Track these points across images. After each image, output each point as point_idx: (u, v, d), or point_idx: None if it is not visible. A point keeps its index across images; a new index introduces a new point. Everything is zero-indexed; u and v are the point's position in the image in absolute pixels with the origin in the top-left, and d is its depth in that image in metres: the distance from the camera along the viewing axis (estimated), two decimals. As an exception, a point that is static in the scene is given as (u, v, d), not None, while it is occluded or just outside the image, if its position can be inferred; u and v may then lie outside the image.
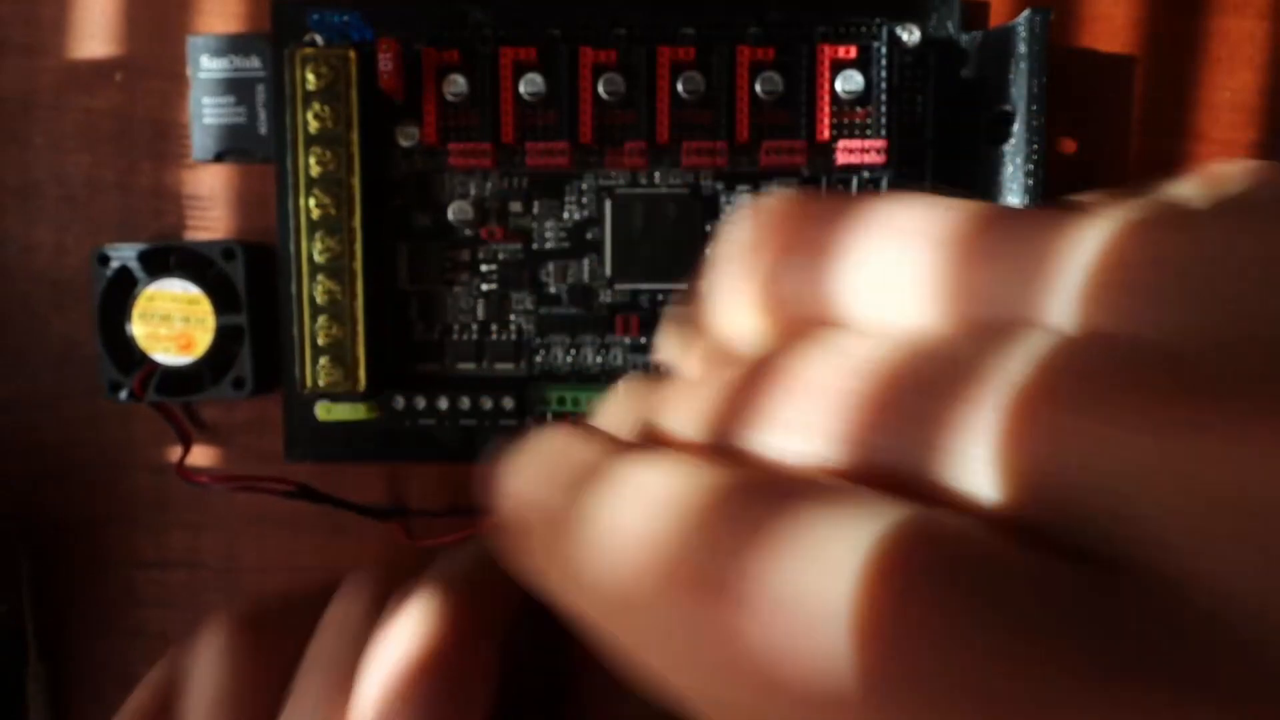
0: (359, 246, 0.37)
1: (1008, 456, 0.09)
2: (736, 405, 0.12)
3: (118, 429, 0.43)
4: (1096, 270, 0.10)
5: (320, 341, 0.37)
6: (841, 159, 0.38)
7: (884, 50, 0.37)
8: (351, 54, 0.36)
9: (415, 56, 0.38)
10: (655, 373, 0.40)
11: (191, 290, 0.40)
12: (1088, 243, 0.10)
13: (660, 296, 0.41)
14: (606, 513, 0.11)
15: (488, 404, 0.39)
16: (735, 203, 0.40)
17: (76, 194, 0.43)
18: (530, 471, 0.15)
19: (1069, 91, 0.41)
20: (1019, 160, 0.37)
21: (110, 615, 0.44)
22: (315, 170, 0.36)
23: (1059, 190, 0.41)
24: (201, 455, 0.43)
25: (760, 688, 0.09)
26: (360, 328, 0.37)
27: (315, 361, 0.37)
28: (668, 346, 0.18)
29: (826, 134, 0.38)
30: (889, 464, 0.10)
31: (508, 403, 0.39)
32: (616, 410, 0.18)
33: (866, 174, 0.39)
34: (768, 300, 0.14)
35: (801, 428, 0.11)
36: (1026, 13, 0.36)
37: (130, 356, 0.41)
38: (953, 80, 0.39)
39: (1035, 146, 0.36)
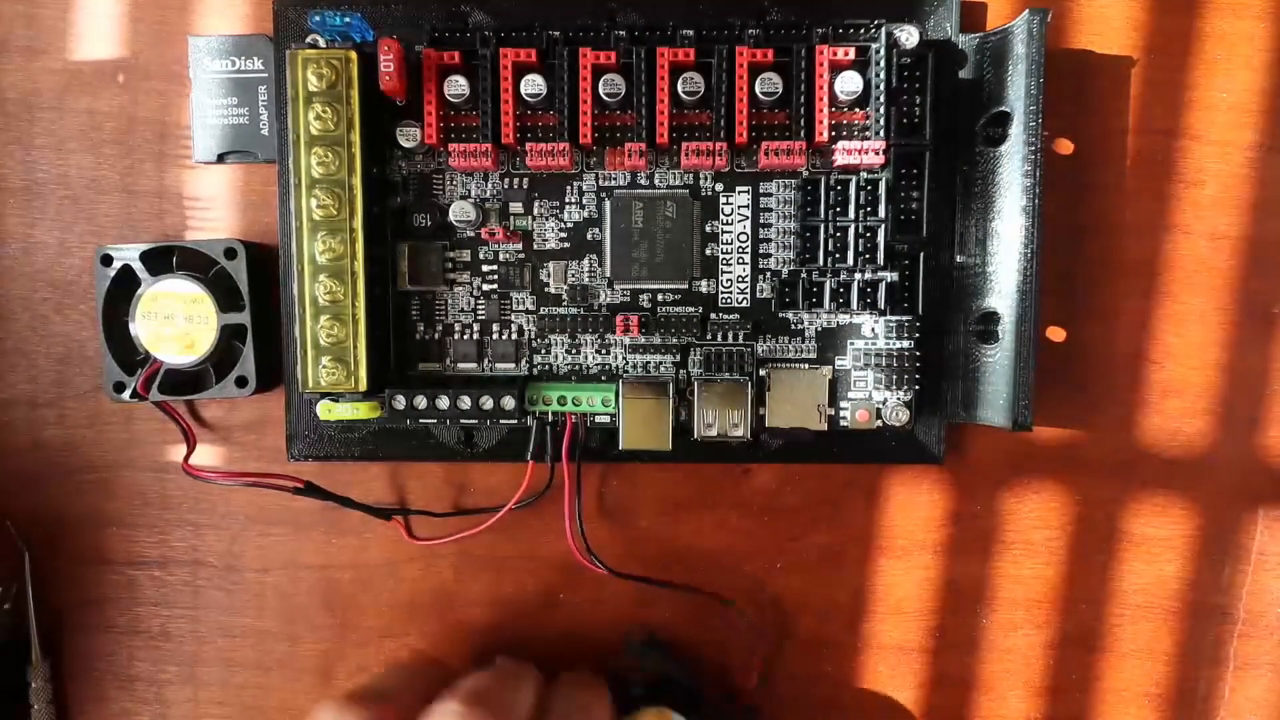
0: (360, 247, 0.37)
1: None
2: None
3: (119, 428, 0.44)
4: None
5: (322, 341, 0.37)
6: (840, 160, 0.38)
7: (882, 52, 0.38)
8: (352, 55, 0.37)
9: (416, 58, 0.39)
10: (649, 376, 0.41)
11: (194, 289, 0.41)
12: None
13: (660, 296, 0.41)
14: None
15: (488, 403, 0.39)
16: (734, 203, 0.41)
17: (79, 194, 0.43)
18: None
19: (1066, 92, 0.41)
20: (1017, 161, 0.37)
21: (112, 613, 0.44)
22: (317, 171, 0.37)
23: (1057, 190, 0.41)
24: (204, 454, 0.43)
25: None
26: (361, 328, 0.37)
27: (317, 361, 0.37)
28: None
29: (825, 135, 0.38)
30: None
31: (508, 402, 0.39)
32: None
33: (865, 175, 0.39)
34: None
35: None
36: (1024, 14, 0.37)
37: (133, 356, 0.42)
38: (951, 81, 0.40)
39: (1033, 147, 0.37)
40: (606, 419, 0.41)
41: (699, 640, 0.43)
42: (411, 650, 0.44)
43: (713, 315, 0.41)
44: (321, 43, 0.39)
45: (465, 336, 0.41)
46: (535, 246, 0.41)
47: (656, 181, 0.41)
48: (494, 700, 0.36)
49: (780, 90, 0.38)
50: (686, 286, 0.41)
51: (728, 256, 0.41)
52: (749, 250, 0.41)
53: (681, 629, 0.43)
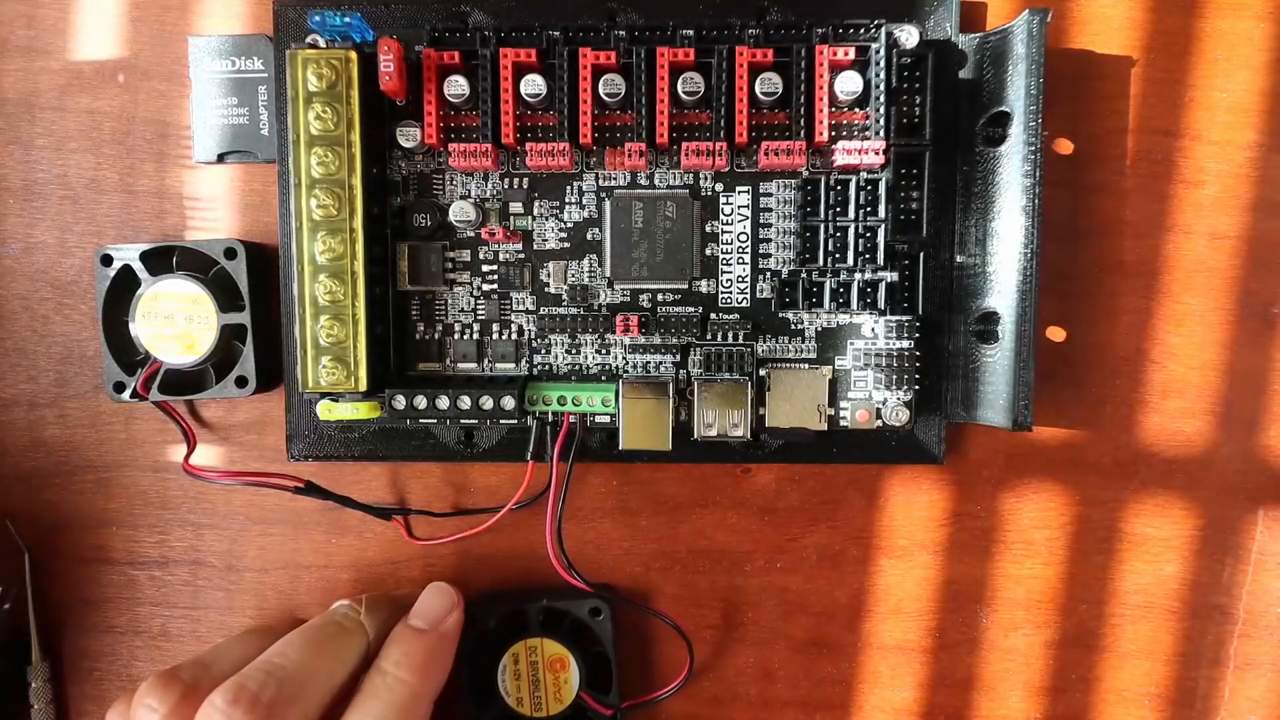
0: (360, 247, 0.37)
1: None
2: None
3: (119, 428, 0.44)
4: None
5: (322, 341, 0.37)
6: (840, 160, 0.38)
7: (882, 52, 0.38)
8: (352, 55, 0.37)
9: (416, 58, 0.39)
10: (652, 376, 0.41)
11: (194, 289, 0.41)
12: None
13: (660, 296, 0.41)
14: None
15: (488, 403, 0.39)
16: (734, 203, 0.41)
17: (79, 195, 0.43)
18: None
19: (1066, 92, 0.41)
20: (1017, 161, 0.37)
21: (112, 613, 0.44)
22: (317, 171, 0.37)
23: (1057, 190, 0.41)
24: (204, 454, 0.43)
25: None
26: (361, 328, 0.37)
27: (317, 361, 0.37)
28: None
29: (825, 135, 0.38)
30: None
31: (508, 402, 0.39)
32: None
33: (865, 175, 0.39)
34: None
35: None
36: (1024, 14, 0.37)
37: (133, 356, 0.42)
38: (951, 81, 0.40)
39: (1033, 147, 0.36)
40: (606, 419, 0.41)
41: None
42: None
43: (713, 315, 0.41)
44: (321, 43, 0.39)
45: (465, 336, 0.41)
46: (535, 246, 0.41)
47: (656, 181, 0.41)
48: (276, 685, 0.35)
49: (780, 90, 0.38)
50: (686, 286, 0.41)
51: (728, 256, 0.41)
52: (749, 250, 0.41)
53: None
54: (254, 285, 0.41)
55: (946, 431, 0.41)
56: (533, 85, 0.38)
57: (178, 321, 0.41)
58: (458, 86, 0.38)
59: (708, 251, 0.41)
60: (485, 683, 0.42)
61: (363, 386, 0.38)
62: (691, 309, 0.41)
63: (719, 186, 0.41)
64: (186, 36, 0.42)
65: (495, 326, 0.41)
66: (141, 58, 0.42)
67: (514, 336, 0.41)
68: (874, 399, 0.41)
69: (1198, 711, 0.43)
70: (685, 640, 0.42)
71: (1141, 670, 0.43)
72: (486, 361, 0.42)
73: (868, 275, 0.40)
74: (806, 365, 0.41)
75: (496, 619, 0.42)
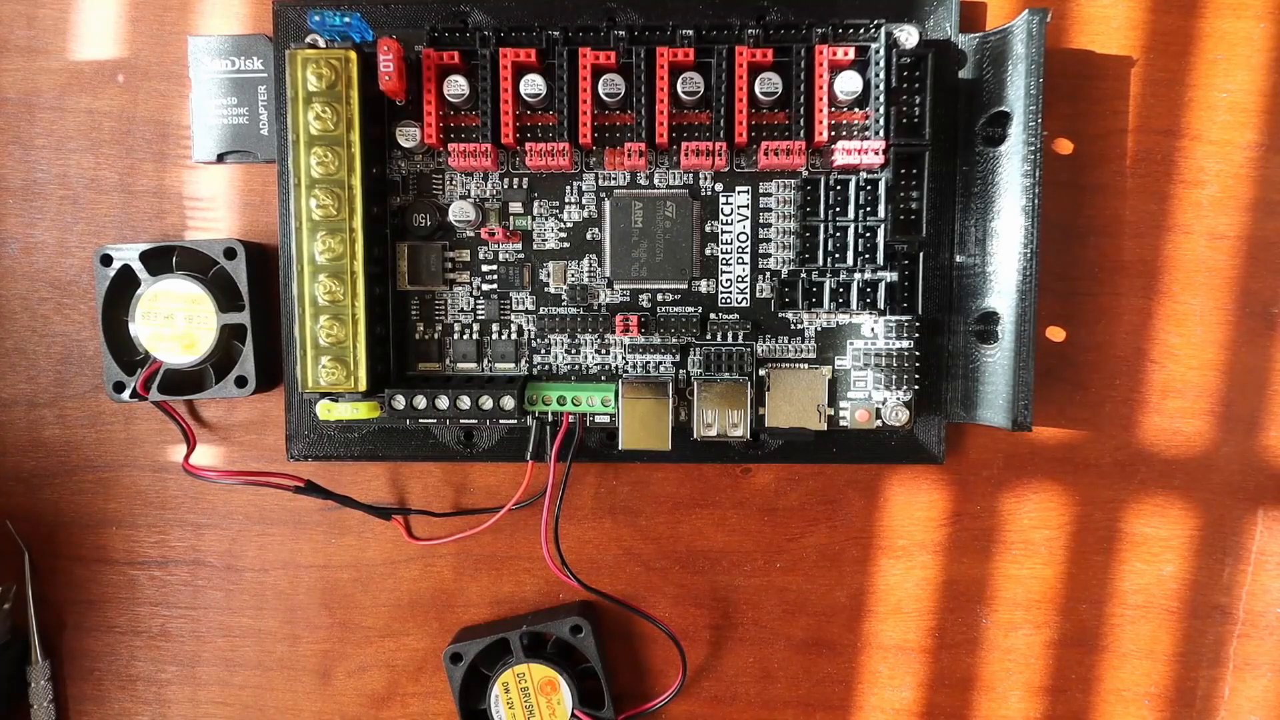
0: (360, 247, 0.37)
1: None
2: None
3: (119, 428, 0.44)
4: None
5: (322, 341, 0.37)
6: (839, 160, 0.38)
7: (881, 52, 0.38)
8: (352, 55, 0.37)
9: (416, 58, 0.39)
10: (651, 375, 0.41)
11: (194, 289, 0.41)
12: None
13: (660, 296, 0.41)
14: None
15: (488, 403, 0.39)
16: (734, 203, 0.41)
17: (79, 194, 0.43)
18: None
19: (1066, 92, 0.41)
20: (1017, 161, 0.37)
21: (112, 613, 0.44)
22: (317, 171, 0.37)
23: (1056, 190, 0.41)
24: (204, 453, 0.43)
25: None
26: (361, 328, 0.37)
27: (317, 361, 0.37)
28: None
29: (825, 135, 0.38)
30: None
31: (507, 402, 0.39)
32: None
33: (864, 175, 0.39)
34: None
35: None
36: (1024, 14, 0.37)
37: (133, 356, 0.42)
38: (950, 81, 0.40)
39: (1033, 147, 0.36)
40: (606, 419, 0.41)
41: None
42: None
43: (712, 315, 0.41)
44: (321, 43, 0.39)
45: (465, 336, 0.41)
46: (535, 246, 0.41)
47: (656, 181, 0.41)
48: None
49: (780, 90, 0.38)
50: (686, 286, 0.41)
51: (727, 256, 0.41)
52: (749, 250, 0.41)
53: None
54: (254, 285, 0.41)
55: (946, 431, 0.41)
56: (532, 85, 0.38)
57: (177, 321, 0.41)
58: (457, 86, 0.38)
59: (707, 251, 0.41)
60: (480, 717, 0.42)
61: (362, 386, 0.38)
62: (691, 309, 0.41)
63: (719, 186, 0.40)
64: (186, 36, 0.42)
65: (495, 326, 0.41)
66: (141, 58, 0.42)
67: (514, 336, 0.41)
68: (874, 399, 0.41)
69: (1198, 711, 0.43)
70: (677, 645, 0.42)
71: (1141, 670, 0.43)
72: (486, 361, 0.42)
73: (867, 275, 0.40)
74: (806, 365, 0.41)
75: (480, 651, 0.42)
